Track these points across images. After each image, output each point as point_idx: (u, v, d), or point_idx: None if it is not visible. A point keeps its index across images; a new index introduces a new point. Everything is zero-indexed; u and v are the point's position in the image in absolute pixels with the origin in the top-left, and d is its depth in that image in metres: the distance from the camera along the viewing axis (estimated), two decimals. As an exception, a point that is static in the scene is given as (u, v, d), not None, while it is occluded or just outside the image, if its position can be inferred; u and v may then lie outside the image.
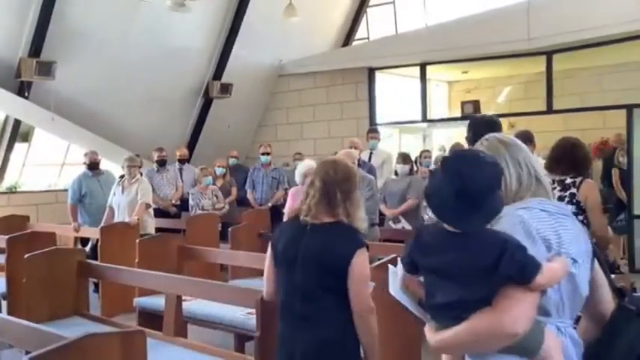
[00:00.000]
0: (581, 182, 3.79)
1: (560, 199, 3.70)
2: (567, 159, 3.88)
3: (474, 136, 3.38)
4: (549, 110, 9.34)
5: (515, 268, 1.55)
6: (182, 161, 8.99)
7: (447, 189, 1.61)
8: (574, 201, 3.74)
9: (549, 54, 9.14)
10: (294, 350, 2.66)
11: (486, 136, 1.92)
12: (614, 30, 8.03)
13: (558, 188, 3.78)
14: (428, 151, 9.00)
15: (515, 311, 1.55)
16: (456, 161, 1.67)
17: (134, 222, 6.61)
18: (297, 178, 6.21)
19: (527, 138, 4.05)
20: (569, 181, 3.81)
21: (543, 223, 1.69)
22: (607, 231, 3.99)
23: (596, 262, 1.82)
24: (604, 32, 8.14)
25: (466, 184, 1.59)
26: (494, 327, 1.57)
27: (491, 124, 3.42)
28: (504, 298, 1.57)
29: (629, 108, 8.40)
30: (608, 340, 1.80)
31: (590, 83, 10.77)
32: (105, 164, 8.04)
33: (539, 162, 1.94)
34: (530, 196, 1.79)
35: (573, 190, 3.77)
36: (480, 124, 3.52)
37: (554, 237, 1.68)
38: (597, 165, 9.43)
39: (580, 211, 3.72)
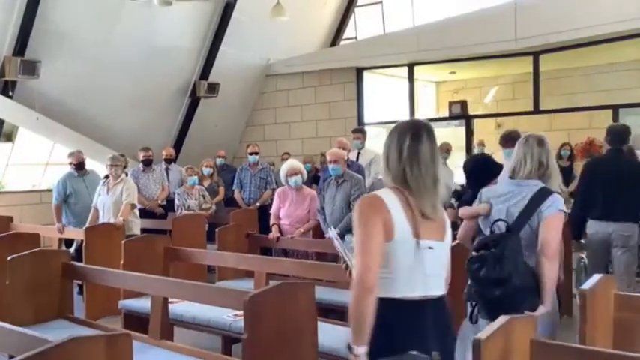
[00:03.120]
0: None
1: None
2: None
3: (617, 137, 4.93)
4: (536, 110, 9.40)
5: None
6: (168, 161, 8.90)
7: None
8: None
9: (536, 54, 9.20)
10: None
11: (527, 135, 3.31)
12: (601, 30, 8.09)
13: None
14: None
15: None
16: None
17: (120, 223, 6.53)
18: (282, 178, 6.19)
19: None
20: None
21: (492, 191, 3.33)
22: None
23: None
24: (590, 33, 8.20)
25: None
26: None
27: (624, 129, 5.02)
28: None
29: (615, 108, 8.46)
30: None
31: (576, 83, 10.84)
32: (90, 164, 7.94)
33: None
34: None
35: None
36: (616, 129, 5.07)
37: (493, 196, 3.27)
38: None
39: None
